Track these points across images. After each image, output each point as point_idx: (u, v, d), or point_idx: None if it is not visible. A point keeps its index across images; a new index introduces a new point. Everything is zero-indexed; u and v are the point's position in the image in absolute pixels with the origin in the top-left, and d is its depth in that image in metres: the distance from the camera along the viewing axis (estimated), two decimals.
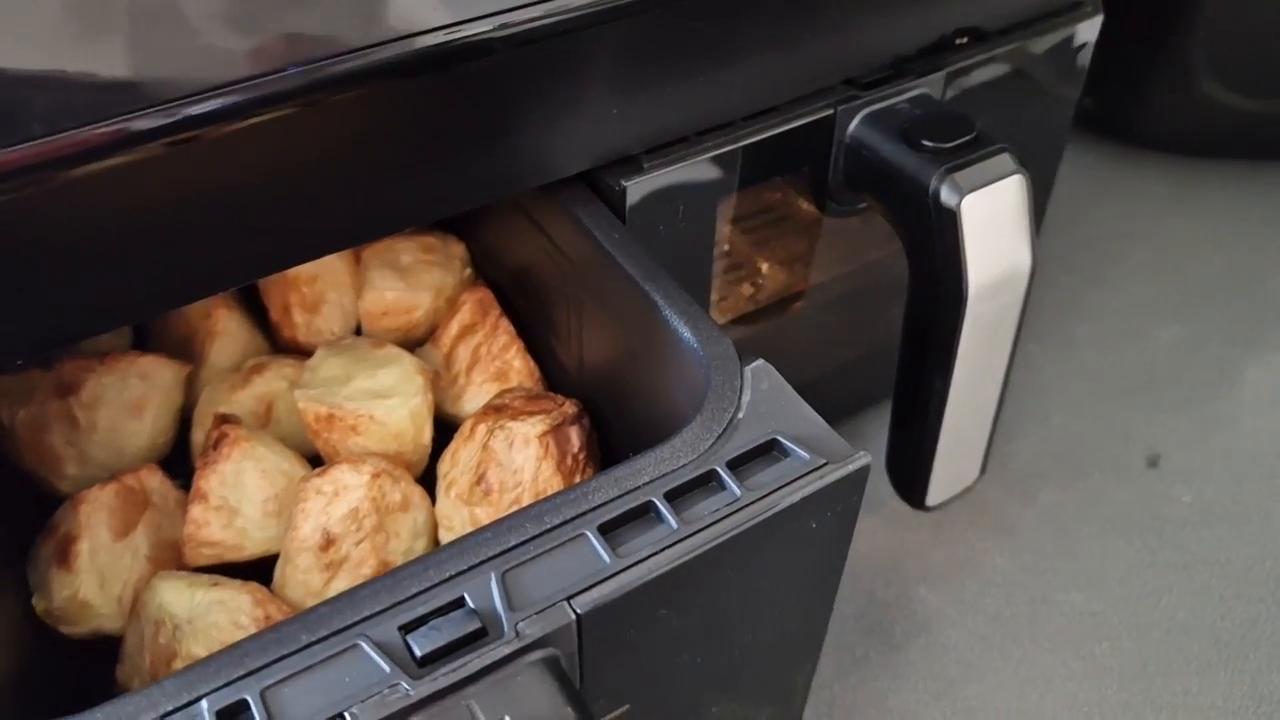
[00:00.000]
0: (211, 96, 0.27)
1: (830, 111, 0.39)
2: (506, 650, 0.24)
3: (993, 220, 0.38)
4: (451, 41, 0.29)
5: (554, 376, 0.43)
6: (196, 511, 0.37)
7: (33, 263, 0.27)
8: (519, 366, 0.42)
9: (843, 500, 0.29)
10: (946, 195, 0.37)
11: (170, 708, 0.23)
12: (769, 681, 0.35)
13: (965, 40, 0.43)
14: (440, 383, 0.42)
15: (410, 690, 0.23)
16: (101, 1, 0.25)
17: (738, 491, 0.27)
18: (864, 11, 0.39)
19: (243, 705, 0.23)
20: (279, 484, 0.38)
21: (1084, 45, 0.47)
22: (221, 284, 0.35)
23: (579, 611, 0.25)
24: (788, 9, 0.36)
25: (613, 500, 0.27)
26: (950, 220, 0.38)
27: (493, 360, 0.42)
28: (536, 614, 0.24)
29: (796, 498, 0.27)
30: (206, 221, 0.30)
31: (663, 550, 0.26)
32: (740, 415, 0.29)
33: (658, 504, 0.27)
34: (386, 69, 0.29)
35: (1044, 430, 0.56)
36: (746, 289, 0.49)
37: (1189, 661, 0.46)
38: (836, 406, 0.54)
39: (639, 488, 0.27)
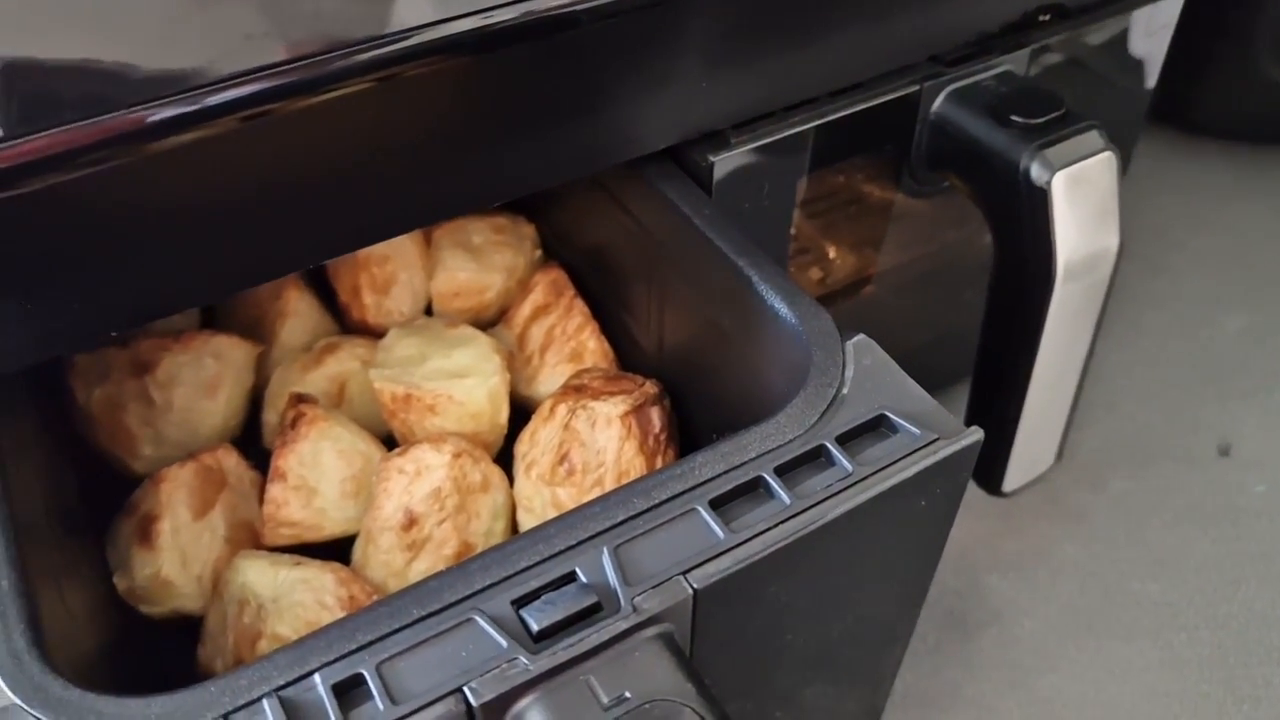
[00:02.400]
0: (288, 71, 0.26)
1: (916, 88, 0.39)
2: (624, 625, 0.23)
3: (1083, 198, 0.38)
4: (540, 14, 0.29)
5: (629, 358, 0.42)
6: (276, 491, 0.36)
7: (117, 241, 0.27)
8: (594, 348, 0.41)
9: (953, 477, 0.28)
10: (1037, 172, 0.37)
11: (283, 681, 0.22)
12: (861, 664, 0.34)
13: (1049, 17, 0.42)
14: (514, 364, 0.42)
15: (529, 665, 0.22)
16: None
17: (849, 467, 0.26)
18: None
19: (358, 679, 0.23)
20: (356, 464, 0.37)
21: (1164, 24, 0.46)
22: (303, 261, 0.35)
23: (696, 586, 0.24)
24: None
25: (721, 475, 0.26)
26: (1040, 198, 0.37)
27: (567, 341, 0.41)
28: (653, 588, 0.24)
29: (910, 473, 0.26)
30: (292, 198, 0.29)
31: (777, 525, 0.25)
32: (845, 391, 0.29)
33: (768, 479, 0.26)
34: (472, 43, 0.28)
35: (1112, 418, 0.55)
36: (816, 273, 0.49)
37: (1270, 652, 0.45)
38: None
39: (747, 462, 0.27)
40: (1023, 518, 0.50)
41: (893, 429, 0.28)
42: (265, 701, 0.22)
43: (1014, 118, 0.38)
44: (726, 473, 0.27)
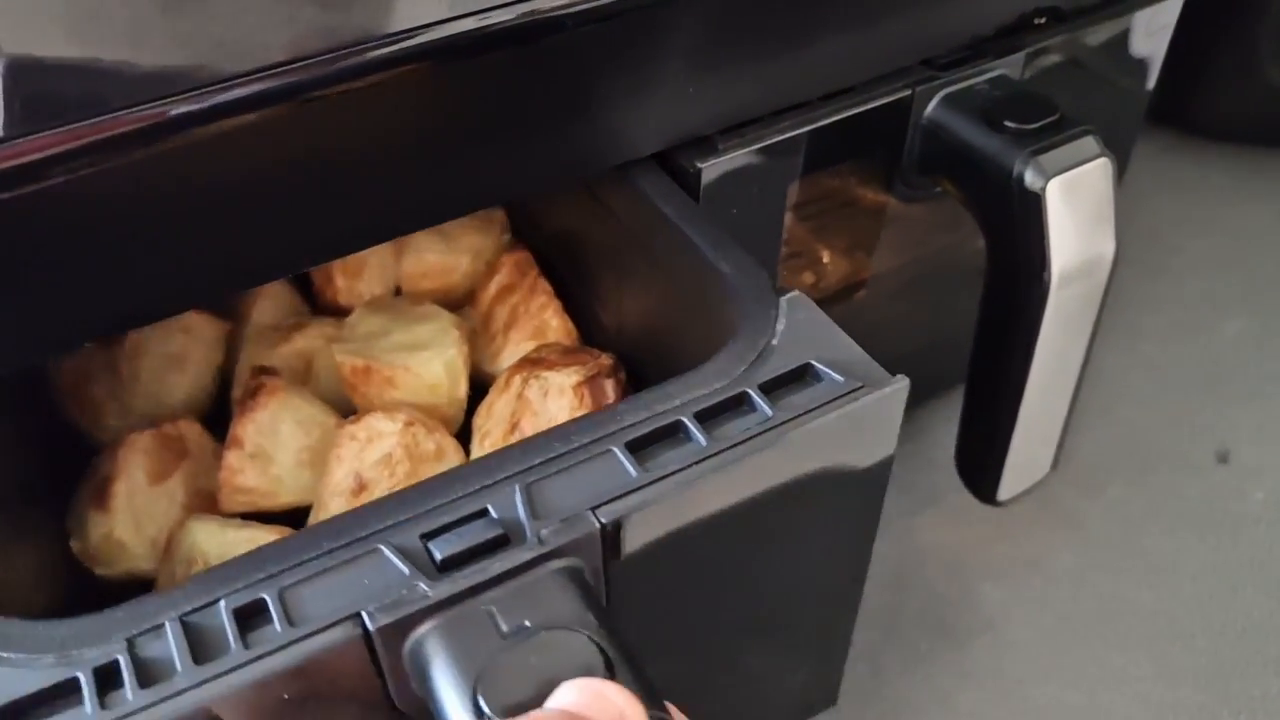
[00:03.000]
0: (267, 78, 0.26)
1: (908, 92, 0.38)
2: (528, 556, 0.23)
3: (1078, 205, 0.37)
4: (526, 18, 0.28)
5: (592, 338, 0.42)
6: (232, 457, 0.37)
7: (110, 245, 0.27)
8: (556, 325, 0.42)
9: (879, 428, 0.28)
10: (1031, 178, 0.36)
11: (189, 607, 0.23)
12: (805, 634, 0.34)
13: (1044, 20, 0.41)
14: (478, 342, 0.43)
15: (429, 591, 0.22)
16: None
17: (769, 412, 0.26)
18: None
19: (260, 605, 0.23)
20: (314, 435, 0.38)
21: (1163, 26, 0.45)
22: (295, 266, 0.34)
23: (603, 521, 0.24)
24: None
25: (642, 420, 0.26)
26: (1034, 205, 0.36)
27: (530, 319, 0.42)
28: (560, 522, 0.24)
29: (830, 418, 0.26)
30: (275, 205, 0.29)
31: (691, 465, 0.25)
32: (775, 343, 0.28)
33: (687, 423, 0.26)
34: (456, 48, 0.28)
35: (1109, 424, 0.54)
36: (808, 277, 0.48)
37: (1266, 663, 0.45)
38: None
39: (669, 409, 0.26)
40: (1017, 524, 0.50)
41: (818, 378, 0.27)
42: (168, 625, 0.22)
43: (1008, 123, 0.37)
44: (648, 418, 0.26)
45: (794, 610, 0.32)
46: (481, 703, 0.20)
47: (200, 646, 0.22)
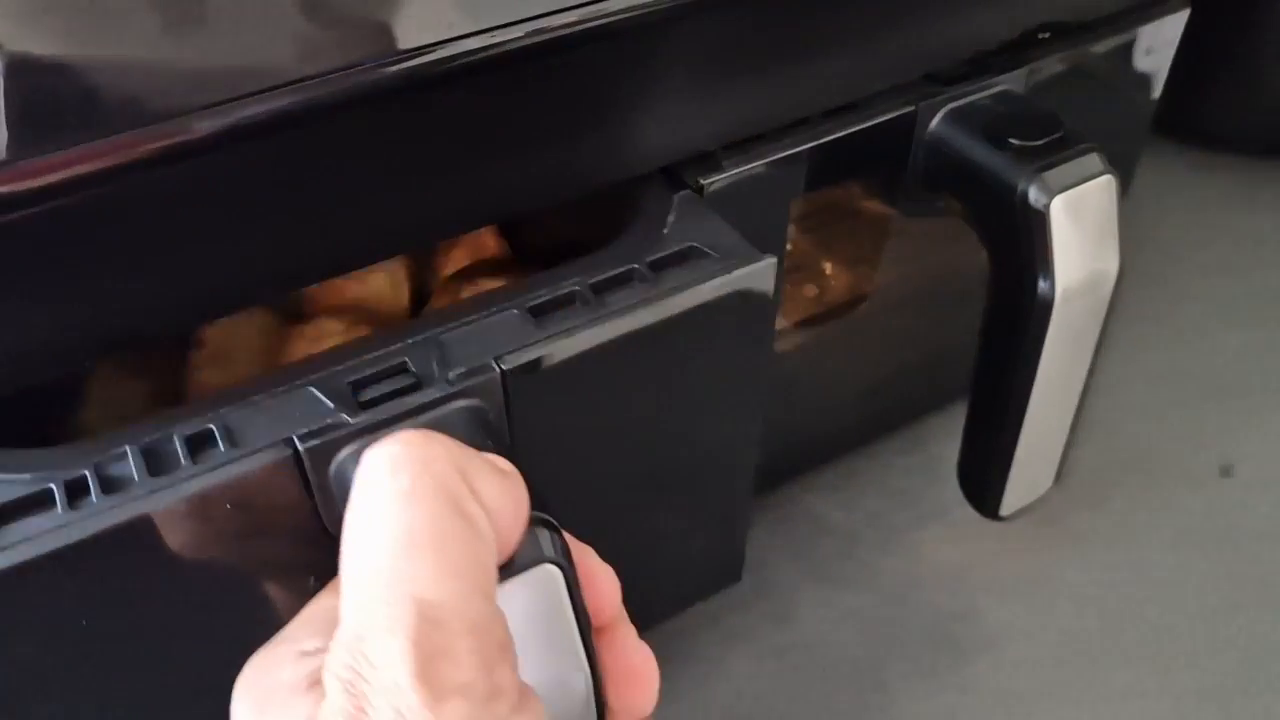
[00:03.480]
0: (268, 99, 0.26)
1: (911, 108, 0.38)
2: (437, 395, 0.27)
3: (1081, 222, 0.37)
4: (531, 37, 0.28)
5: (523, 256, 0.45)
6: (195, 356, 0.40)
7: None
8: (493, 245, 0.45)
9: (753, 301, 0.32)
10: (1035, 196, 0.36)
11: (148, 438, 0.26)
12: (700, 496, 0.38)
13: (1049, 35, 0.41)
14: (423, 259, 0.46)
15: (352, 421, 0.26)
16: None
17: (654, 283, 0.30)
18: (949, 6, 0.37)
19: (208, 434, 0.26)
20: (269, 339, 0.41)
21: (1168, 40, 0.45)
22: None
23: (503, 367, 0.28)
24: (877, 3, 0.35)
25: (544, 291, 0.30)
26: (1038, 222, 0.36)
27: (471, 239, 0.45)
28: (466, 369, 0.28)
29: (705, 287, 0.30)
30: (277, 225, 0.29)
31: (583, 324, 0.29)
32: (666, 232, 0.32)
33: (582, 291, 0.30)
34: (458, 69, 0.27)
35: (1112, 437, 0.54)
36: (811, 290, 0.48)
37: (1270, 680, 0.45)
38: (903, 409, 0.54)
39: (568, 283, 0.30)
40: (1020, 539, 0.50)
41: (701, 257, 0.32)
42: (129, 450, 0.26)
43: (1011, 140, 0.37)
44: (549, 290, 0.30)
45: (688, 469, 0.36)
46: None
47: (156, 465, 0.26)
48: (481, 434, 0.27)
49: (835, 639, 0.46)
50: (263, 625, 0.24)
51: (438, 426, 0.25)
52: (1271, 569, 0.49)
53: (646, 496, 0.36)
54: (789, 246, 0.43)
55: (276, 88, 0.26)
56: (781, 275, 0.41)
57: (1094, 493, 0.52)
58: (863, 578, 0.49)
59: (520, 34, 0.28)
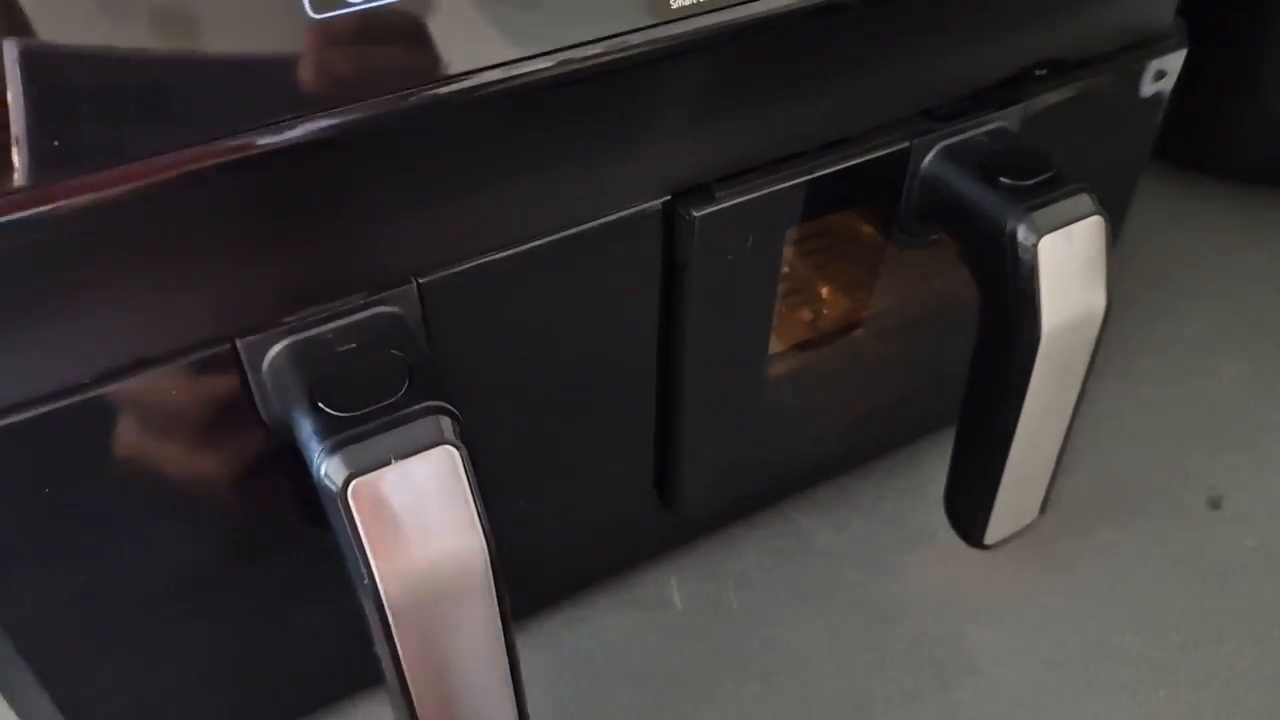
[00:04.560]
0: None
1: (906, 144, 0.39)
2: (360, 301, 0.30)
3: (1070, 261, 0.38)
4: (525, 77, 0.29)
5: None
6: None
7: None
8: None
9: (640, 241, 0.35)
10: (1024, 235, 0.37)
11: None
12: (611, 418, 0.41)
13: (1045, 72, 0.42)
14: None
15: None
16: None
17: None
18: (946, 42, 0.38)
19: None
20: None
21: (1165, 77, 0.46)
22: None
23: (419, 280, 0.31)
24: (873, 38, 0.36)
25: None
26: (1027, 261, 0.37)
27: None
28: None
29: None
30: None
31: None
32: None
33: None
34: (451, 102, 0.28)
35: (1102, 465, 0.55)
36: (806, 314, 0.49)
37: (1250, 714, 0.45)
38: (896, 432, 0.54)
39: None
40: (1007, 564, 0.51)
41: None
42: None
43: (1003, 179, 0.38)
44: None
45: (595, 390, 0.39)
46: (318, 400, 0.28)
47: None
48: (397, 334, 0.30)
49: (820, 660, 0.47)
50: (204, 508, 0.29)
51: (359, 327, 0.30)
52: (1255, 603, 0.49)
53: (560, 411, 0.39)
54: (787, 270, 0.44)
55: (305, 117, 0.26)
56: (776, 301, 0.42)
57: (1082, 521, 0.52)
58: (850, 599, 0.49)
59: (518, 72, 0.29)
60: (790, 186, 0.37)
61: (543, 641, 0.47)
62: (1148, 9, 0.43)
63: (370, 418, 0.27)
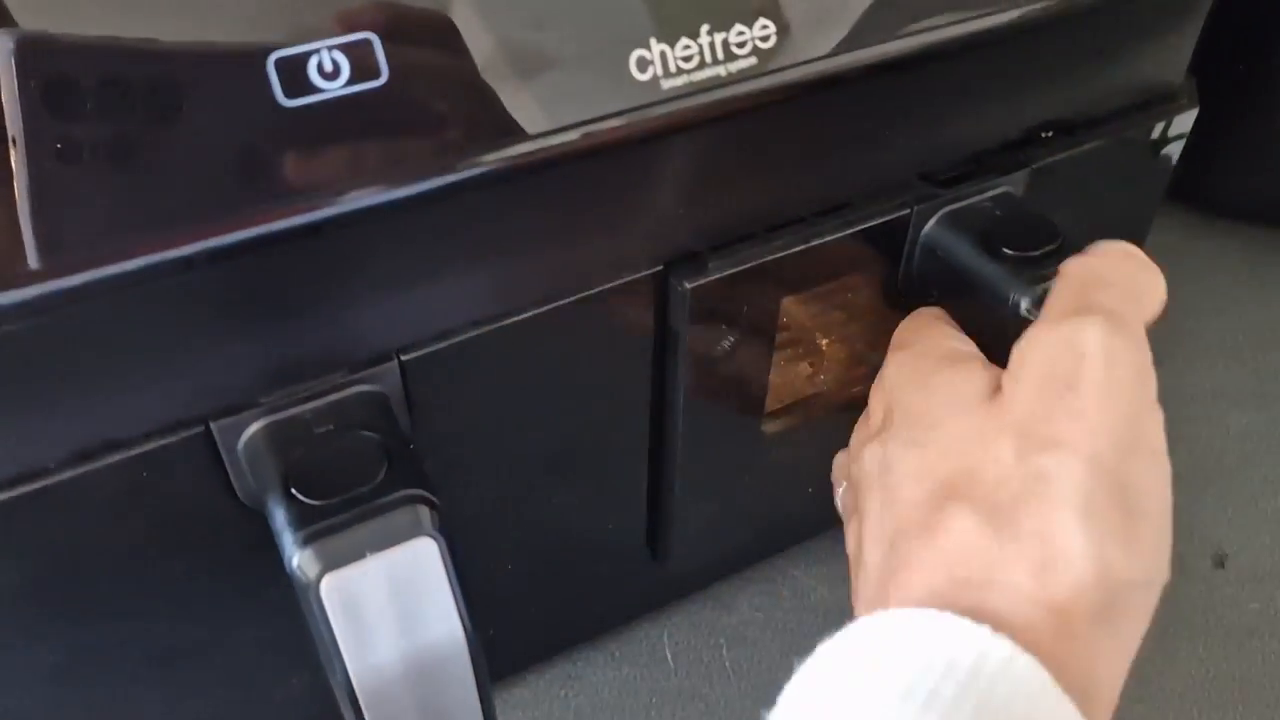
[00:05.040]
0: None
1: (907, 211, 0.38)
2: (340, 380, 0.30)
3: None
4: (515, 159, 0.28)
5: None
6: None
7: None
8: None
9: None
10: (1028, 308, 0.36)
11: None
12: (602, 480, 0.40)
13: (1051, 134, 0.41)
14: None
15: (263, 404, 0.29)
16: None
17: None
18: (948, 109, 0.37)
19: None
20: None
21: (1177, 137, 0.45)
22: None
23: (402, 359, 0.30)
24: (871, 109, 0.35)
25: None
26: None
27: None
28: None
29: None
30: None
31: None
32: None
33: None
34: (446, 187, 0.28)
35: None
36: (803, 372, 0.48)
37: None
38: None
39: None
40: None
41: None
42: None
43: (1006, 249, 0.37)
44: None
45: (585, 453, 0.39)
46: (292, 487, 0.27)
47: None
48: (376, 416, 0.30)
49: None
50: (182, 587, 0.29)
51: (339, 407, 0.29)
52: (1259, 669, 0.48)
53: (548, 475, 0.38)
54: (785, 334, 0.43)
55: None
56: (771, 366, 0.41)
57: None
58: None
59: (506, 154, 0.28)
60: (785, 256, 0.36)
61: (535, 699, 0.46)
62: (1159, 69, 0.43)
63: (346, 507, 0.26)
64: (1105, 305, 0.30)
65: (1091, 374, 0.28)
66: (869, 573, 0.31)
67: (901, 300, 0.41)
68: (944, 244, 0.38)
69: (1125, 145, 0.43)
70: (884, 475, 0.31)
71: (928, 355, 0.35)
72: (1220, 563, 0.53)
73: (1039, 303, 0.36)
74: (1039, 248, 0.37)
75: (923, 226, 0.38)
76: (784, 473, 0.47)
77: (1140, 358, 0.30)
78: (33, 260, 0.23)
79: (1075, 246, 0.37)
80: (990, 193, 0.39)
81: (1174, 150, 0.45)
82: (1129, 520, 0.27)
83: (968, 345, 0.36)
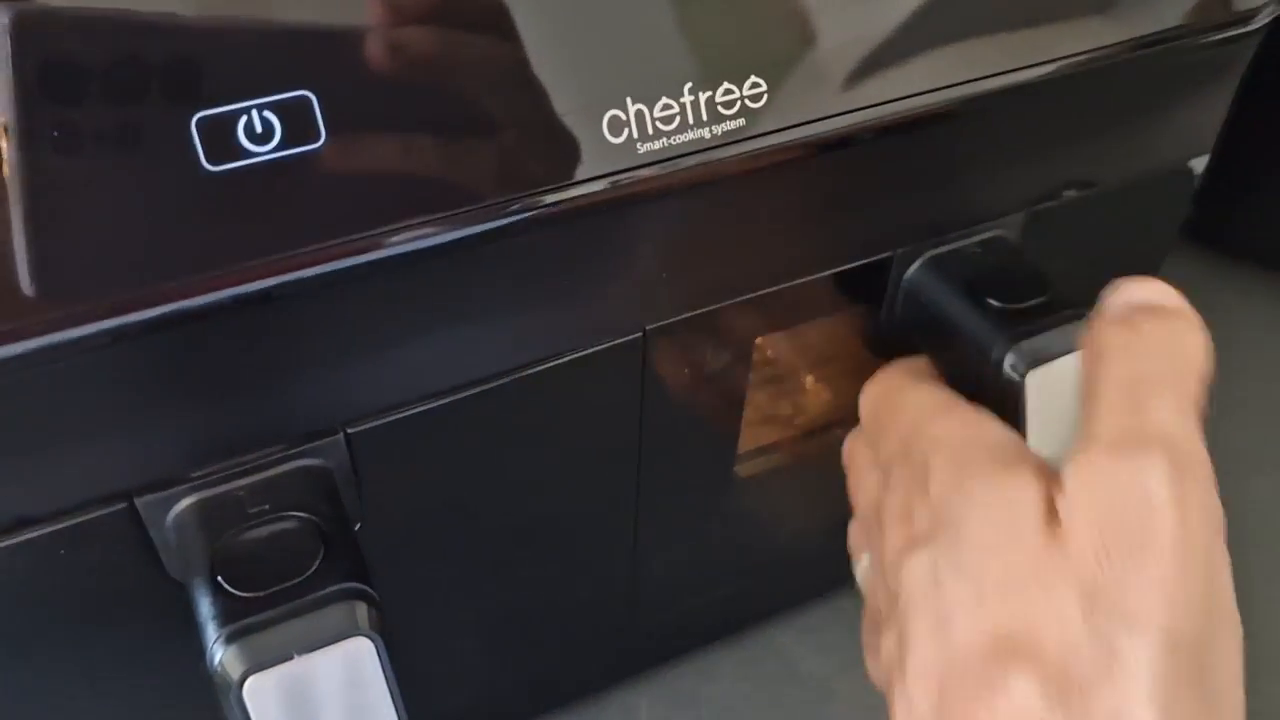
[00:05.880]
0: None
1: (888, 254, 0.37)
2: (278, 454, 0.28)
3: (1059, 398, 0.36)
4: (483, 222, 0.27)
5: None
6: None
7: None
8: None
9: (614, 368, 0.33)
10: (1010, 365, 0.35)
11: None
12: (570, 543, 0.39)
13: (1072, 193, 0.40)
14: None
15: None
16: None
17: None
18: (950, 177, 0.36)
19: None
20: None
21: (1186, 185, 0.44)
22: None
23: (348, 431, 0.29)
24: (874, 167, 0.33)
25: None
26: (1011, 393, 0.35)
27: None
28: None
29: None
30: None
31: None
32: None
33: None
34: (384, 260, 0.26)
35: None
36: (785, 407, 0.47)
37: None
38: None
39: None
40: None
41: None
42: None
43: (992, 301, 0.36)
44: None
45: (559, 524, 0.38)
46: (219, 575, 0.26)
47: None
48: (317, 494, 0.29)
49: None
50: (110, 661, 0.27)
51: (276, 485, 0.28)
52: None
53: (521, 550, 0.37)
54: (764, 372, 0.42)
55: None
56: (744, 403, 0.40)
57: None
58: None
59: (459, 225, 0.26)
60: (757, 298, 0.35)
61: None
62: (1193, 132, 0.41)
63: (275, 600, 0.25)
64: (1164, 420, 0.29)
65: (1164, 532, 0.27)
66: (915, 711, 0.30)
67: (882, 348, 0.40)
68: (925, 289, 0.37)
69: (1133, 191, 0.42)
70: (933, 595, 0.30)
71: (974, 455, 0.32)
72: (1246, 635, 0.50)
73: (1021, 359, 0.35)
74: (1025, 300, 0.36)
75: (904, 270, 0.37)
76: (758, 522, 0.46)
77: (1210, 498, 0.28)
78: None
79: (1063, 303, 0.36)
80: (980, 236, 0.38)
81: (1185, 194, 0.44)
82: (1207, 706, 0.26)
83: (1009, 434, 0.33)
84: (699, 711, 0.48)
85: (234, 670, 0.25)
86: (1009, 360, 0.35)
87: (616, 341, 0.33)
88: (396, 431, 0.30)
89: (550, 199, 0.27)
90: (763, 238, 0.33)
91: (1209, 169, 0.45)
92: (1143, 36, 0.35)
